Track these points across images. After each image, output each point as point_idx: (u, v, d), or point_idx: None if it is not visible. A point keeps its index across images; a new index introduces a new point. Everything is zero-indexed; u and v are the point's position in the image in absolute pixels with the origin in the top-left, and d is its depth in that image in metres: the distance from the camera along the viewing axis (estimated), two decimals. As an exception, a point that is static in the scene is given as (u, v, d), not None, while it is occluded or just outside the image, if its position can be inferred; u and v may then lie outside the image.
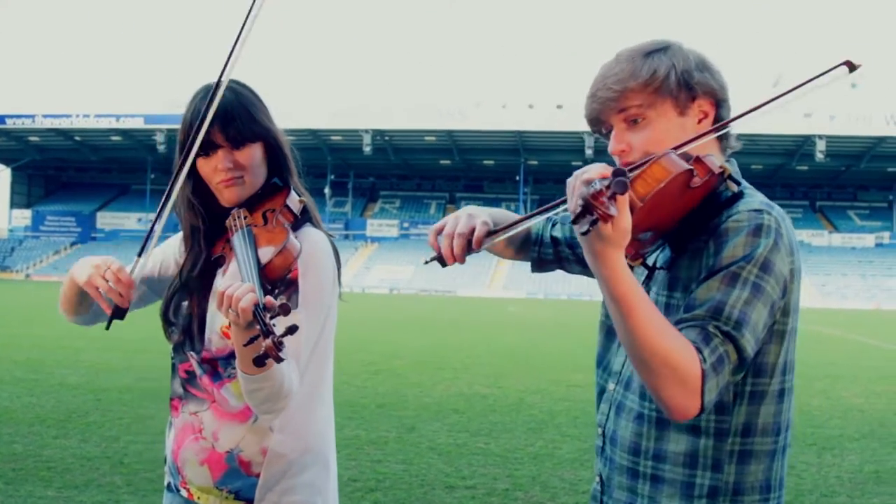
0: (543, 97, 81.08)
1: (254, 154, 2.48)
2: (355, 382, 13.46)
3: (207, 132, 2.38)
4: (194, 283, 2.56)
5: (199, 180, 2.53)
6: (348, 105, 77.61)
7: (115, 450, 8.38)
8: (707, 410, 1.91)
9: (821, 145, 72.46)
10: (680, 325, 1.96)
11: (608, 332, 2.33)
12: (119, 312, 2.37)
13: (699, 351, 1.88)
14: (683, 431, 2.08)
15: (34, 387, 12.19)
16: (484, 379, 14.74)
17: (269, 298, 2.08)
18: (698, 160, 1.99)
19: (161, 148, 79.52)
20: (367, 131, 76.78)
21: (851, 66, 1.89)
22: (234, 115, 2.43)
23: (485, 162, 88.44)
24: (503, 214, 2.43)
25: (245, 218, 2.43)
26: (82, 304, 2.61)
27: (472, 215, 2.25)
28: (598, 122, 2.20)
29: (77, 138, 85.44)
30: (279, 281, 2.35)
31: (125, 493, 6.89)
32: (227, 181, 2.47)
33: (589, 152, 73.43)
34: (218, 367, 2.49)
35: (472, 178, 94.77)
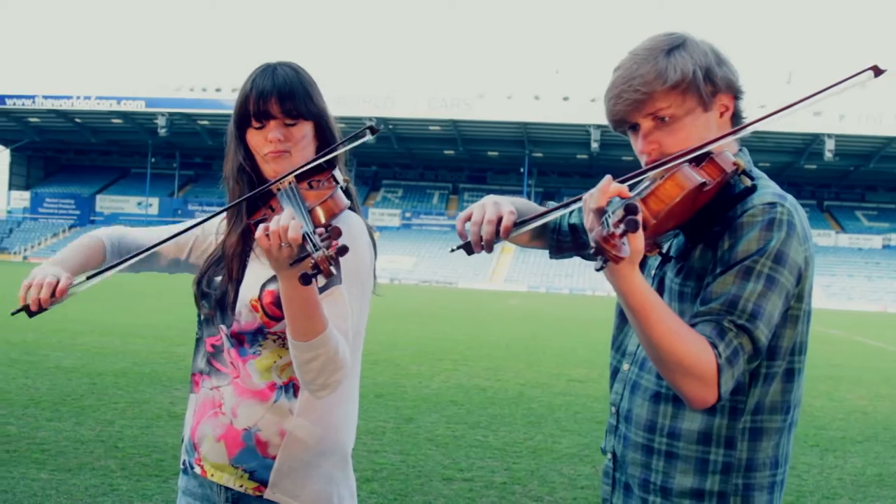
0: (549, 89, 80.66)
1: (304, 131, 2.53)
2: (354, 372, 13.42)
3: (264, 103, 2.47)
4: (232, 253, 2.58)
5: (248, 151, 2.57)
6: (352, 92, 77.49)
7: (109, 434, 8.38)
8: (724, 398, 2.05)
9: (830, 144, 72.31)
10: (696, 318, 2.09)
11: (622, 314, 2.41)
12: (30, 312, 2.40)
13: (714, 346, 2.01)
14: (699, 411, 2.18)
15: (29, 369, 12.20)
16: (483, 371, 14.75)
17: (320, 230, 2.08)
18: (711, 161, 2.09)
19: (162, 132, 79.54)
20: (370, 119, 76.33)
21: (878, 71, 2.00)
22: (292, 91, 2.50)
23: (489, 153, 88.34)
24: (524, 204, 2.55)
25: (291, 183, 2.45)
26: (86, 268, 2.64)
27: (499, 203, 2.34)
28: (624, 123, 2.26)
29: (77, 120, 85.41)
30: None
31: (119, 477, 6.89)
32: (275, 153, 2.50)
33: (595, 145, 73.33)
34: (245, 342, 2.50)
35: (476, 169, 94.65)
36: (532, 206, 2.56)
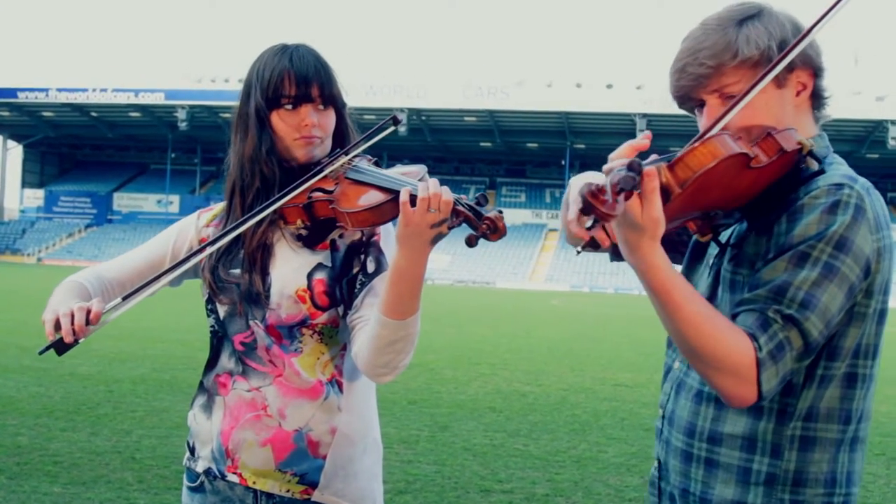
0: (592, 76, 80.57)
1: (331, 119, 2.56)
2: (385, 377, 13.40)
3: (307, 86, 2.47)
4: (258, 241, 2.54)
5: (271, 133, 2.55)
6: (382, 82, 77.63)
7: (126, 444, 8.40)
8: (768, 398, 1.92)
9: (893, 131, 71.78)
10: (740, 307, 1.97)
11: None
12: (61, 347, 2.24)
13: (754, 338, 1.88)
14: (743, 413, 2.06)
15: (42, 376, 12.27)
16: (523, 376, 14.70)
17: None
18: (769, 138, 1.95)
19: (182, 125, 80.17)
20: (402, 110, 76.71)
21: None
22: (329, 75, 2.53)
23: (528, 144, 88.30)
24: None
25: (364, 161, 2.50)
26: None
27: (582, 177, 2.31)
28: (688, 100, 2.18)
29: (93, 114, 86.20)
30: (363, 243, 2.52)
31: (136, 490, 6.89)
32: (308, 138, 2.51)
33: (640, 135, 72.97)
34: (282, 337, 2.50)
35: (515, 162, 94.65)
36: None
